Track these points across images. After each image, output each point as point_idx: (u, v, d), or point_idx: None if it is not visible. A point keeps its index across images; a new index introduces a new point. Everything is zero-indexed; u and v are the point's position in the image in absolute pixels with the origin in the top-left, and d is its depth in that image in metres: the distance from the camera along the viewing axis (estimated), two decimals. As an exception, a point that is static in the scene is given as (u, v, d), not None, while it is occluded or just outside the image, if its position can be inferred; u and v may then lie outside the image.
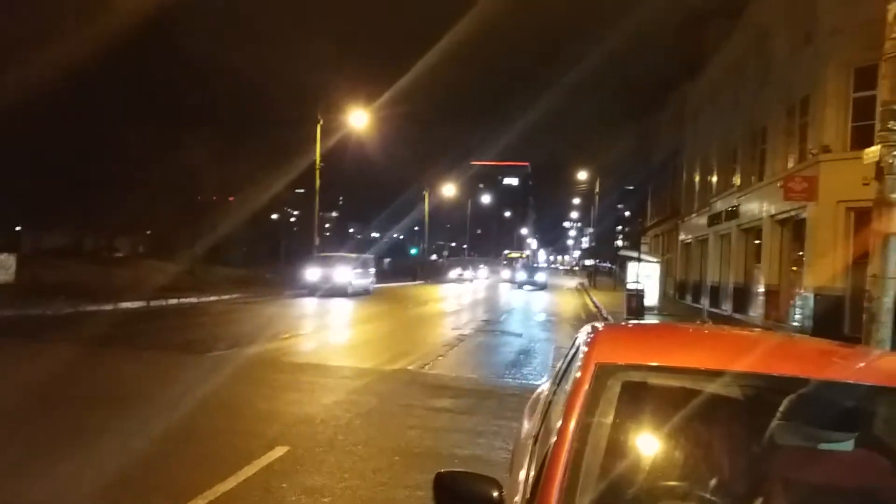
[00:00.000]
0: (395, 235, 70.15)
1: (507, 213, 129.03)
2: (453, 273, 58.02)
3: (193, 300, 21.56)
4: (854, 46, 14.86)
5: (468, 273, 59.47)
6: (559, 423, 2.15)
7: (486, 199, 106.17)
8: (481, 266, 68.24)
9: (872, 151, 7.24)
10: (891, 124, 6.97)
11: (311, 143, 32.40)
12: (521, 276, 49.18)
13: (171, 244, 34.16)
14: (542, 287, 45.52)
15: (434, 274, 55.93)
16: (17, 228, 35.89)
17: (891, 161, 6.96)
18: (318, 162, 32.74)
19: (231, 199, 38.24)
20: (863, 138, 15.08)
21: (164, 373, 9.95)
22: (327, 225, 56.26)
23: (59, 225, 36.55)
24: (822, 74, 16.59)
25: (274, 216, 47.90)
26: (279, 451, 6.04)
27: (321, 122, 32.36)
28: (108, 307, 18.00)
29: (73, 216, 33.53)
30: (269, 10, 37.13)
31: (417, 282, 48.69)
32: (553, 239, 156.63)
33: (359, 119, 35.33)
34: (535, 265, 71.12)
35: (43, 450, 5.88)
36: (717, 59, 29.11)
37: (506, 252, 75.02)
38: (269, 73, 33.57)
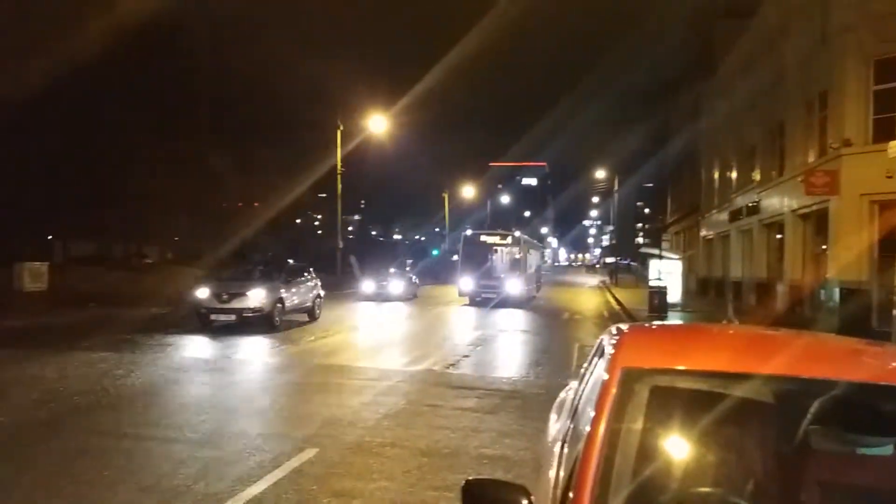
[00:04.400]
0: (416, 237, 70.37)
1: (527, 213, 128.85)
2: (366, 286, 28.28)
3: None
4: (872, 40, 14.75)
5: (396, 284, 28.65)
6: (588, 428, 2.13)
7: (504, 199, 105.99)
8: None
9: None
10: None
11: (332, 148, 32.82)
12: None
13: (198, 250, 34.65)
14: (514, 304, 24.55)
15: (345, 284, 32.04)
16: (49, 238, 36.66)
17: (910, 156, 6.98)
18: (339, 167, 33.17)
19: (256, 204, 38.82)
20: (885, 131, 14.99)
21: (193, 377, 10.16)
22: (350, 228, 56.48)
23: (88, 234, 37.29)
24: (840, 69, 16.47)
25: (297, 220, 48.40)
26: (308, 454, 6.10)
27: (341, 127, 32.76)
28: (142, 312, 18.41)
29: (101, 225, 34.21)
30: (288, 19, 37.49)
31: None
32: (573, 237, 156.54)
33: (378, 124, 35.68)
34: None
35: (75, 457, 6.09)
36: (729, 58, 28.94)
37: (466, 233, 31.00)
38: (289, 82, 34.03)
